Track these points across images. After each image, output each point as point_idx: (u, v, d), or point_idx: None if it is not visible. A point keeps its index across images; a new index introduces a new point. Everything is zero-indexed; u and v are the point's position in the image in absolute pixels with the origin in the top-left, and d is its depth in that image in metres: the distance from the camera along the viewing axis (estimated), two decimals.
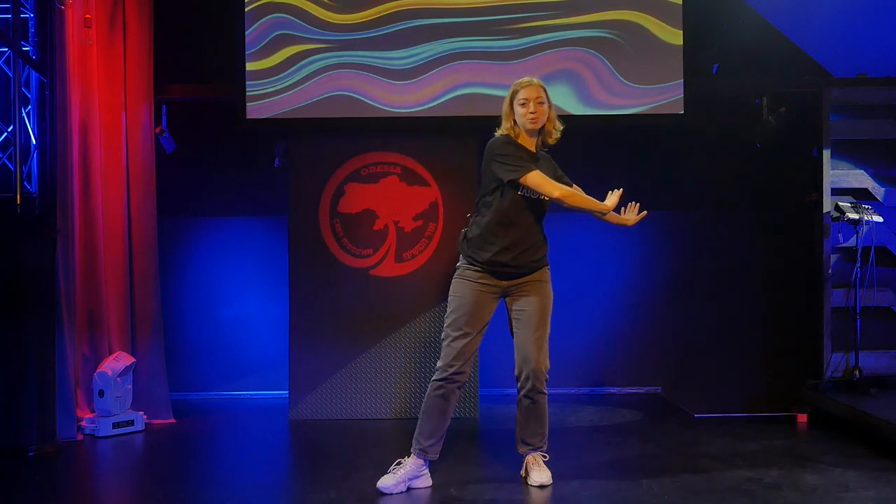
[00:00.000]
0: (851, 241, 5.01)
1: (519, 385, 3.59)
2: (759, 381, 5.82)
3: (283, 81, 5.10)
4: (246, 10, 5.11)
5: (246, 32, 5.11)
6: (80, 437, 4.59)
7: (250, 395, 5.90)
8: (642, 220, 3.65)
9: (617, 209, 3.57)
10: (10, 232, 4.28)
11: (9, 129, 4.40)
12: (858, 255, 4.94)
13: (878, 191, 5.19)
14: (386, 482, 3.46)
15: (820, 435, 4.50)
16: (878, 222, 4.94)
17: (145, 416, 4.87)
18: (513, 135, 3.53)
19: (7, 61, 4.43)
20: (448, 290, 3.61)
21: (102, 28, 4.91)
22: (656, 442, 4.41)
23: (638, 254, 5.96)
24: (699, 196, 5.97)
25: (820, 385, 4.95)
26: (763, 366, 5.89)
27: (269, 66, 5.11)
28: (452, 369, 3.48)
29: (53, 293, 4.43)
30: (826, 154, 5.16)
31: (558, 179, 3.63)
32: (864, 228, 4.91)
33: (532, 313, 3.56)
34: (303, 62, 5.10)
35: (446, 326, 3.54)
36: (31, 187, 4.45)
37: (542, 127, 3.54)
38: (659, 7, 5.13)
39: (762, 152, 5.80)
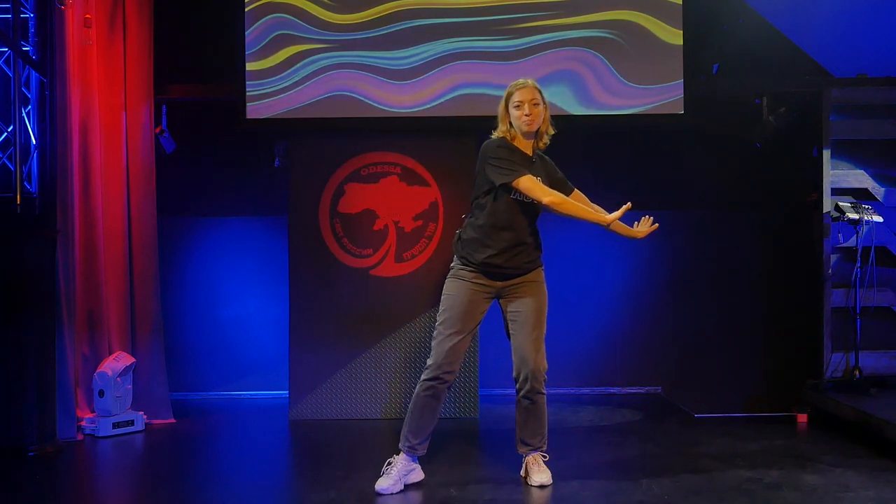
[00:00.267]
0: (851, 241, 5.01)
1: (517, 386, 3.59)
2: (759, 381, 5.82)
3: (283, 81, 5.10)
4: (246, 10, 5.11)
5: (246, 32, 5.11)
6: (80, 437, 4.59)
7: (250, 395, 5.90)
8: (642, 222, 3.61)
9: (628, 221, 3.49)
10: (10, 232, 4.28)
11: (9, 129, 4.40)
12: (858, 255, 4.94)
13: (878, 191, 5.19)
14: (384, 484, 3.47)
15: (820, 435, 4.50)
16: (878, 222, 4.94)
17: (145, 416, 4.88)
18: (508, 137, 3.52)
19: (7, 61, 4.43)
20: None
21: (102, 28, 4.91)
22: (656, 442, 4.41)
23: (638, 254, 5.96)
24: (699, 196, 5.97)
25: (820, 385, 4.95)
26: (763, 366, 5.89)
27: (269, 66, 5.11)
28: (443, 369, 3.48)
29: (53, 293, 4.43)
30: (826, 154, 5.16)
31: (557, 182, 3.62)
32: (864, 228, 4.91)
33: (528, 314, 3.55)
34: (303, 62, 5.10)
35: (439, 325, 3.54)
36: (31, 187, 4.45)
37: (539, 129, 3.53)
38: (659, 7, 5.13)
39: (762, 152, 5.80)
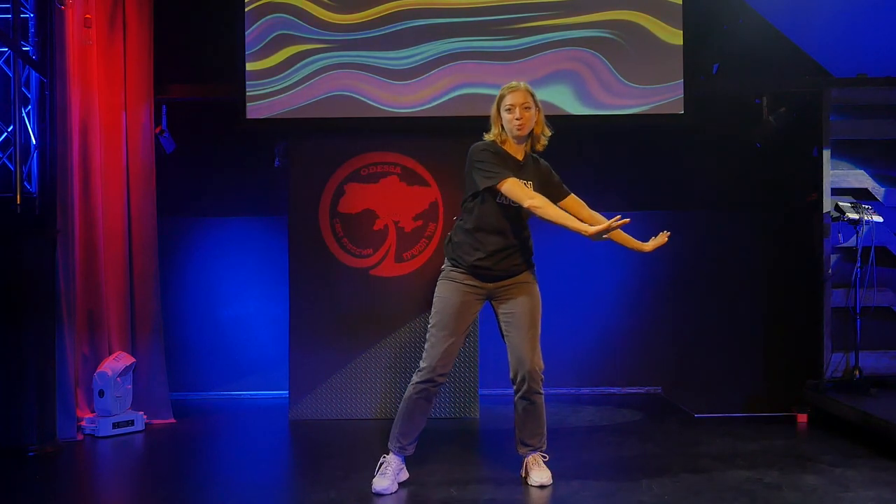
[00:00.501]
0: (851, 241, 5.01)
1: (515, 387, 3.58)
2: (759, 381, 5.82)
3: (283, 81, 5.11)
4: (246, 10, 5.11)
5: (246, 32, 5.11)
6: (80, 437, 4.59)
7: (250, 395, 5.90)
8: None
9: (637, 234, 3.44)
10: (10, 232, 4.28)
11: (9, 129, 4.40)
12: (858, 255, 4.94)
13: (878, 191, 5.19)
14: (383, 484, 3.47)
15: (820, 435, 4.50)
16: (878, 222, 4.94)
17: (145, 416, 4.88)
18: (499, 140, 3.50)
19: (7, 61, 4.43)
20: None
21: (102, 28, 4.91)
22: (656, 442, 4.41)
23: (638, 254, 5.92)
24: (699, 196, 5.97)
25: (820, 385, 4.95)
26: (763, 366, 5.89)
27: (269, 66, 5.11)
28: (437, 371, 3.48)
29: (53, 293, 4.43)
30: (826, 154, 5.16)
31: (553, 186, 3.59)
32: (864, 228, 4.91)
33: (521, 315, 3.54)
34: (303, 62, 5.10)
35: (431, 327, 3.53)
36: (31, 187, 4.45)
37: (532, 132, 3.50)
38: (659, 7, 5.13)
39: (762, 152, 5.80)
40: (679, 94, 5.12)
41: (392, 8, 5.11)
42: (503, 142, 3.51)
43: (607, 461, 4.02)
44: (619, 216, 3.20)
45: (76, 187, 4.68)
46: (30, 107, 4.50)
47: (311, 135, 5.20)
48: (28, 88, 4.50)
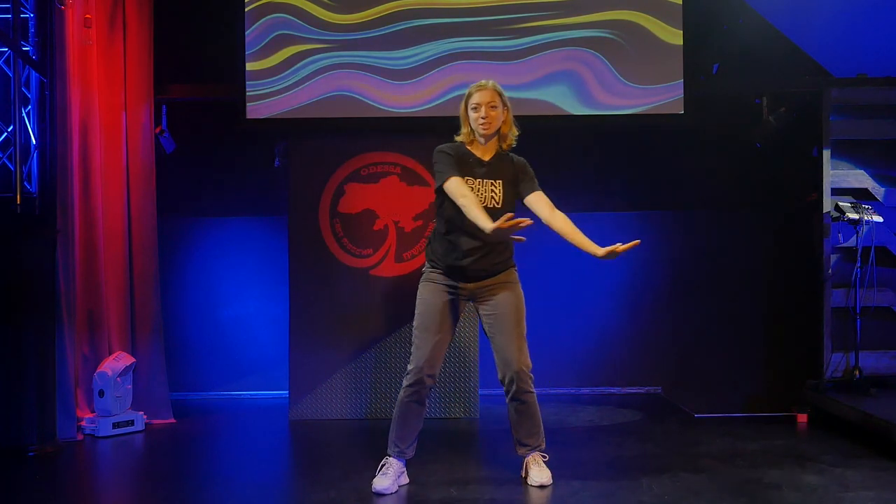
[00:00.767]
0: (851, 241, 5.01)
1: (505, 389, 3.56)
2: (759, 381, 5.81)
3: (283, 81, 5.11)
4: (246, 10, 5.11)
5: (246, 32, 5.11)
6: (80, 437, 4.59)
7: (250, 395, 5.90)
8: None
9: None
10: (10, 232, 4.28)
11: (9, 129, 4.40)
12: (858, 255, 4.94)
13: (878, 191, 5.19)
14: (384, 483, 3.47)
15: (820, 435, 4.50)
16: (878, 222, 4.94)
17: (145, 416, 4.88)
18: (467, 140, 3.50)
19: (7, 61, 4.43)
20: None
21: (102, 28, 4.91)
22: (656, 442, 4.41)
23: (637, 254, 5.92)
24: (699, 196, 5.97)
25: (820, 385, 4.95)
26: (763, 366, 5.89)
27: (269, 66, 5.11)
28: (425, 371, 3.46)
29: (53, 293, 4.43)
30: (826, 154, 5.16)
31: (526, 181, 3.49)
32: (864, 228, 4.91)
33: (504, 314, 3.51)
34: (303, 62, 5.11)
35: (415, 329, 3.51)
36: (31, 187, 4.45)
37: (499, 131, 3.48)
38: (659, 7, 5.13)
39: (762, 152, 5.80)
40: (679, 94, 5.12)
41: (392, 8, 5.11)
42: (471, 142, 3.50)
43: (607, 461, 4.02)
44: (521, 219, 3.04)
45: (76, 187, 4.68)
46: (30, 107, 4.50)
47: (311, 135, 5.20)
48: (28, 88, 4.50)
